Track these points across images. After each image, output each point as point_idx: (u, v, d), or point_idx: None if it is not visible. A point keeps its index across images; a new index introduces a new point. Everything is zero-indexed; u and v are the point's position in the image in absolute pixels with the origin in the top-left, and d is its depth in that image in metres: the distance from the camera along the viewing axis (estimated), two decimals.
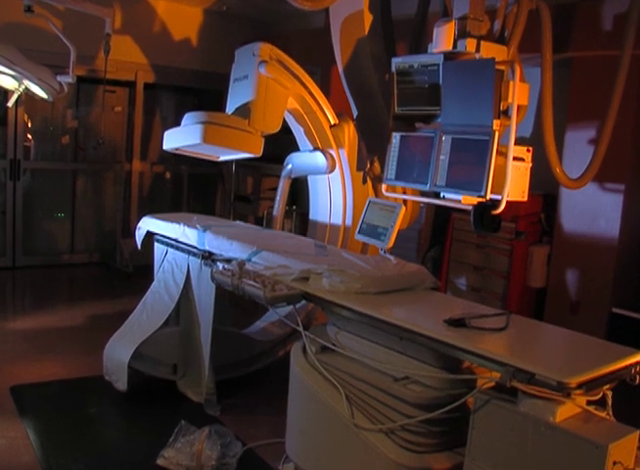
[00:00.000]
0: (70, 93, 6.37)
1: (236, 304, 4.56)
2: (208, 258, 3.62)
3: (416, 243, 5.54)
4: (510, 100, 3.13)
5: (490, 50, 3.24)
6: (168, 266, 4.00)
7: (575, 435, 1.89)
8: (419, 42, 4.08)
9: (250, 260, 3.23)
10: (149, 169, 7.67)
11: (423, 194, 3.85)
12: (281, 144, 4.95)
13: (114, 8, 5.85)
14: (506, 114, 3.19)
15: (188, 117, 3.82)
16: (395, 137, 3.67)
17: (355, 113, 4.41)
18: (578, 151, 4.37)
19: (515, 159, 3.17)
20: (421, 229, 5.51)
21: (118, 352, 3.78)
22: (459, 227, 5.16)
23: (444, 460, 2.43)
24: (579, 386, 1.94)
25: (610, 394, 2.15)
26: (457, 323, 2.37)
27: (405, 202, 3.96)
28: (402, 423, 2.41)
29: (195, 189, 8.02)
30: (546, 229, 4.92)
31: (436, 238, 5.50)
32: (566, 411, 1.98)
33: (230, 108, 3.98)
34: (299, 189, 5.74)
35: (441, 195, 3.47)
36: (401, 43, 4.40)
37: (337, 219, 4.33)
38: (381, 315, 2.51)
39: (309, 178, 4.53)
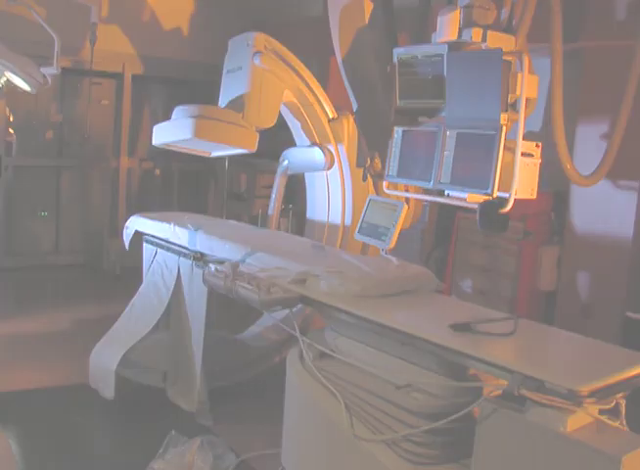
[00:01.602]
0: (55, 85, 6.36)
1: (229, 307, 4.55)
2: (200, 259, 3.62)
3: (419, 243, 5.54)
4: (518, 92, 3.13)
5: (497, 40, 3.23)
6: (158, 268, 4.00)
7: (587, 446, 1.89)
8: (422, 32, 4.08)
9: (244, 262, 3.23)
10: (137, 166, 7.66)
11: (426, 192, 3.85)
12: (277, 139, 4.93)
13: None
14: (514, 107, 3.19)
15: (178, 111, 3.82)
16: (397, 132, 3.67)
17: (355, 106, 4.41)
18: (590, 146, 4.37)
19: (523, 154, 3.17)
20: (424, 229, 5.51)
21: (105, 359, 3.78)
22: (464, 227, 5.16)
23: None
24: (591, 394, 1.94)
25: (623, 402, 2.14)
26: (462, 328, 2.37)
27: (408, 200, 3.96)
28: (404, 433, 2.41)
29: (186, 186, 8.01)
30: (556, 229, 4.91)
31: (440, 238, 5.50)
32: (577, 421, 1.98)
33: (223, 101, 3.98)
34: (296, 187, 5.74)
35: (446, 193, 3.47)
36: (403, 33, 4.40)
37: (335, 219, 4.33)
38: (382, 320, 2.52)
39: (306, 175, 4.54)
